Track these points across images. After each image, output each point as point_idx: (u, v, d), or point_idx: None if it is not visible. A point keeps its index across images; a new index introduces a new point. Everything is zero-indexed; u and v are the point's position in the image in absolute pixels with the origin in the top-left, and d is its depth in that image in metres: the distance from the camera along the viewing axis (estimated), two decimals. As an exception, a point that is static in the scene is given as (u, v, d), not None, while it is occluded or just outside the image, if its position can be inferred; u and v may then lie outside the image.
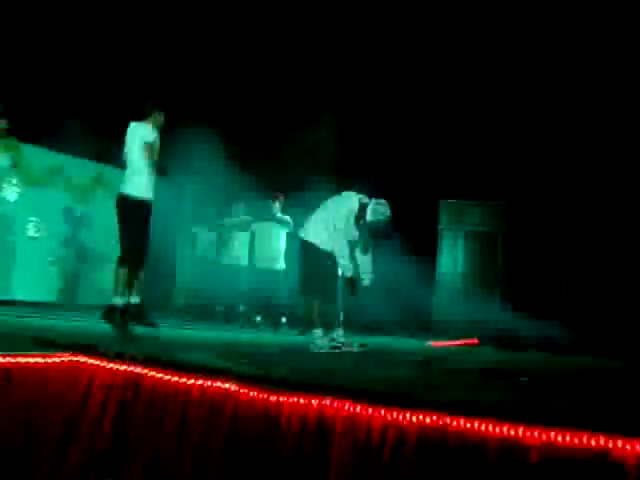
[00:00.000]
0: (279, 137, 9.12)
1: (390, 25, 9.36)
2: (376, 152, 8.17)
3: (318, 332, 6.47)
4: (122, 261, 6.44)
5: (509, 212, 9.88)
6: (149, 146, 6.44)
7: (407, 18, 9.25)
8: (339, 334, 6.62)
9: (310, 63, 9.62)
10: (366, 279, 6.61)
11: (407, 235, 8.16)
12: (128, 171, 6.46)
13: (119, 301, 6.30)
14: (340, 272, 6.47)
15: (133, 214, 6.39)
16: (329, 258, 6.52)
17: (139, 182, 6.43)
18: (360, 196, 6.61)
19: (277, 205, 9.88)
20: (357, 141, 7.94)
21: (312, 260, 6.49)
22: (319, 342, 6.42)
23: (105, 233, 8.17)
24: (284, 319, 9.83)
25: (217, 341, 6.75)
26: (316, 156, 9.29)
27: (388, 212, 6.51)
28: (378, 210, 6.47)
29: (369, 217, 6.44)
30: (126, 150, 6.53)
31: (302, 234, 6.64)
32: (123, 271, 6.40)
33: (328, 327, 6.57)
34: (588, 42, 8.58)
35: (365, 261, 6.64)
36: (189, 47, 9.68)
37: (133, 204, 6.41)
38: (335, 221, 6.44)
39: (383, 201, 6.55)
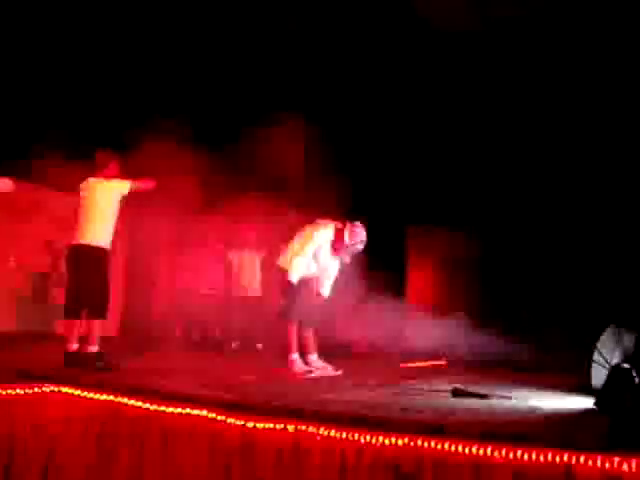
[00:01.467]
0: (249, 167, 9.25)
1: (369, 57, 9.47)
2: (344, 179, 8.27)
3: (294, 356, 6.61)
4: (101, 312, 6.41)
5: (477, 237, 10.09)
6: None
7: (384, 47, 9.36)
8: (313, 358, 6.77)
9: (279, 95, 9.76)
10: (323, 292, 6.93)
11: (375, 260, 8.33)
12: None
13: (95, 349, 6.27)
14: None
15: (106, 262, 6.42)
16: (306, 284, 6.74)
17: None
18: (334, 223, 6.82)
19: (253, 234, 10.11)
20: (326, 169, 8.03)
21: (289, 287, 6.68)
22: (294, 366, 6.56)
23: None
24: (260, 345, 9.96)
25: (195, 369, 6.84)
26: (286, 183, 9.44)
27: (363, 235, 6.72)
28: (355, 234, 6.68)
29: (347, 240, 6.64)
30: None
31: (280, 262, 6.83)
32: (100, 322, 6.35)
33: (303, 351, 6.73)
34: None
35: (328, 282, 6.91)
36: (168, 78, 9.77)
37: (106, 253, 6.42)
38: (304, 243, 6.68)
39: (358, 223, 6.76)
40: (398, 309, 9.03)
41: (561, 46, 8.21)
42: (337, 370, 6.73)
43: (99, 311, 6.32)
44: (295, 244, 6.78)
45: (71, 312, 6.32)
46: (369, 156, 10.06)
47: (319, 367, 6.69)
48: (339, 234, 6.70)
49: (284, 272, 6.70)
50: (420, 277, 11.33)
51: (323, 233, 6.72)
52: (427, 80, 9.32)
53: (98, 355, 6.20)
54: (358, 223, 6.75)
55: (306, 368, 6.59)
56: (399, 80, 9.46)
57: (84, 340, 6.26)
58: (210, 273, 10.44)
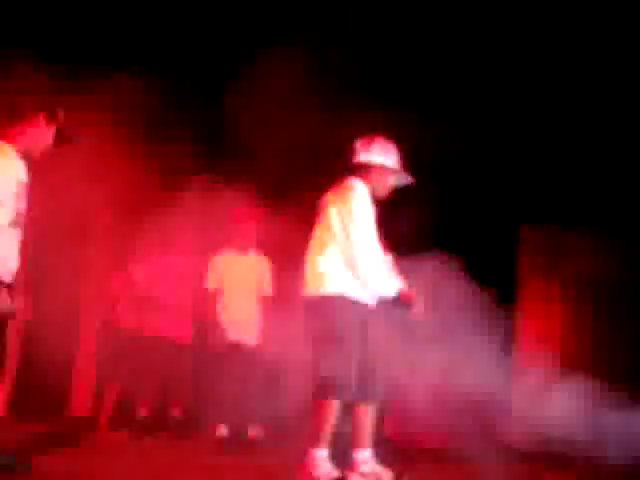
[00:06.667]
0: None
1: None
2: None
3: (319, 453, 4.10)
4: None
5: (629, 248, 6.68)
6: None
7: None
8: (364, 457, 4.27)
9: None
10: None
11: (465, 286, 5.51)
12: None
13: None
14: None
15: None
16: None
17: None
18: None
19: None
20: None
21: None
22: (316, 470, 4.05)
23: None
24: (254, 431, 6.42)
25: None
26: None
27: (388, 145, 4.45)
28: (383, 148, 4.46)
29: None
30: None
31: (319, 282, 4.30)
32: None
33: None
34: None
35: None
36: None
37: None
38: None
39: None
40: (501, 370, 5.65)
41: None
42: None
43: None
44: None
45: None
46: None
47: (368, 474, 4.23)
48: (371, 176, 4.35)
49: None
50: (543, 314, 7.60)
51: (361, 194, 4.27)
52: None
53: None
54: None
55: (335, 475, 4.09)
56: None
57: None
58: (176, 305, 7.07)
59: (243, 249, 6.45)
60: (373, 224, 4.20)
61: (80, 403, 7.36)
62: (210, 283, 6.39)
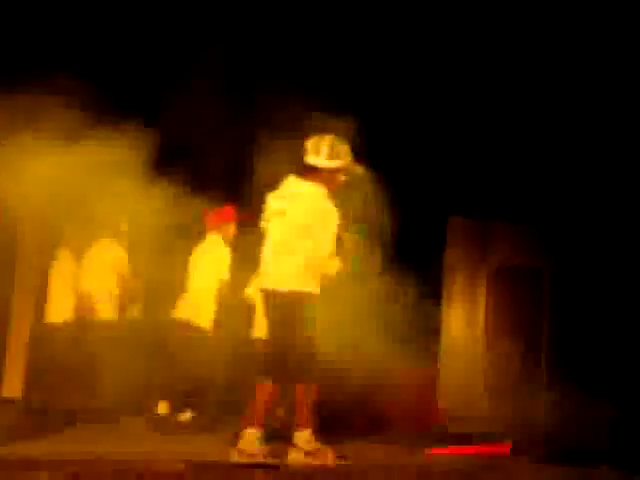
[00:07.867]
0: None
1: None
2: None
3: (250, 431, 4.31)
4: None
5: (561, 240, 6.81)
6: None
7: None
8: (305, 437, 4.40)
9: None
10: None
11: (392, 271, 5.60)
12: None
13: None
14: None
15: None
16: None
17: None
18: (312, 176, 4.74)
19: None
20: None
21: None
22: (246, 446, 4.27)
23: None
24: (187, 414, 6.32)
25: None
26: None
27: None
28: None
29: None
30: None
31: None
32: None
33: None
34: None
35: None
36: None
37: None
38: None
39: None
40: (433, 354, 5.83)
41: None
42: (342, 458, 4.47)
43: None
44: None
45: None
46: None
47: (311, 452, 4.35)
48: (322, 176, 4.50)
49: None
50: (469, 300, 7.30)
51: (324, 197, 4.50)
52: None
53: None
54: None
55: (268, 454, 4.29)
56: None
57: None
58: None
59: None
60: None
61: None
62: None
